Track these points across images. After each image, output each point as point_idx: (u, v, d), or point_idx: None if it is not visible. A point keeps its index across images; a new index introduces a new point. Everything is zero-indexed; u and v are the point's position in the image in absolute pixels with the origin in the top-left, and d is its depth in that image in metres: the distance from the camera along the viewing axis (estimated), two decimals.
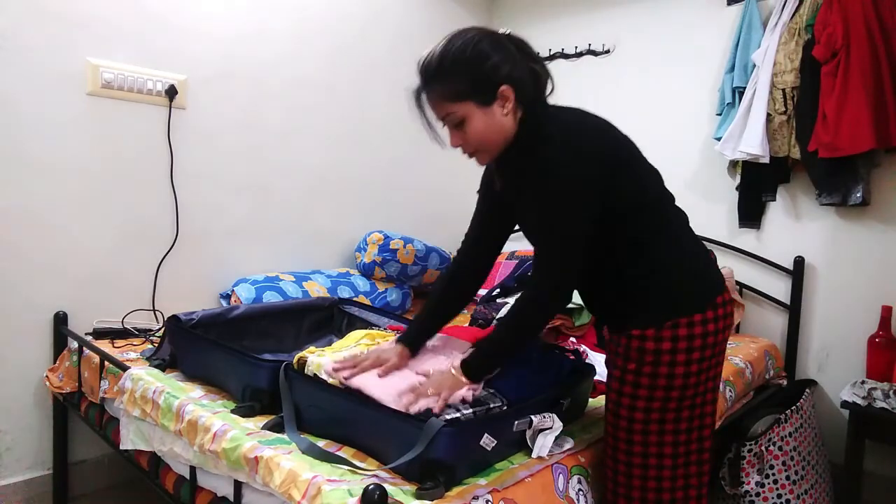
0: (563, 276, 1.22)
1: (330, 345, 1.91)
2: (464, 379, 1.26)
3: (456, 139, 1.28)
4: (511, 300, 2.30)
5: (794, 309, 2.51)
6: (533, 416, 1.30)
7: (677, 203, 1.37)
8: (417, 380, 1.33)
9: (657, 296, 1.27)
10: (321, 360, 1.40)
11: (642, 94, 2.94)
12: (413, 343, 1.45)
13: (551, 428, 1.31)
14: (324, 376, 1.36)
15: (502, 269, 3.01)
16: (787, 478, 1.98)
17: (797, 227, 2.52)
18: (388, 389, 1.25)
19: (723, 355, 1.34)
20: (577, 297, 1.95)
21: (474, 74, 1.19)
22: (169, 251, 2.28)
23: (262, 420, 1.37)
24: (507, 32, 1.25)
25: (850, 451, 2.03)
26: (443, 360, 1.41)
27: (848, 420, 2.04)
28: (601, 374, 1.62)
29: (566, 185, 1.18)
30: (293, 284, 2.42)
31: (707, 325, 1.25)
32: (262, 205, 2.57)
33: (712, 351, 1.27)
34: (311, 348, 1.50)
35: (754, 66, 2.46)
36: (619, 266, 1.29)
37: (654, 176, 1.33)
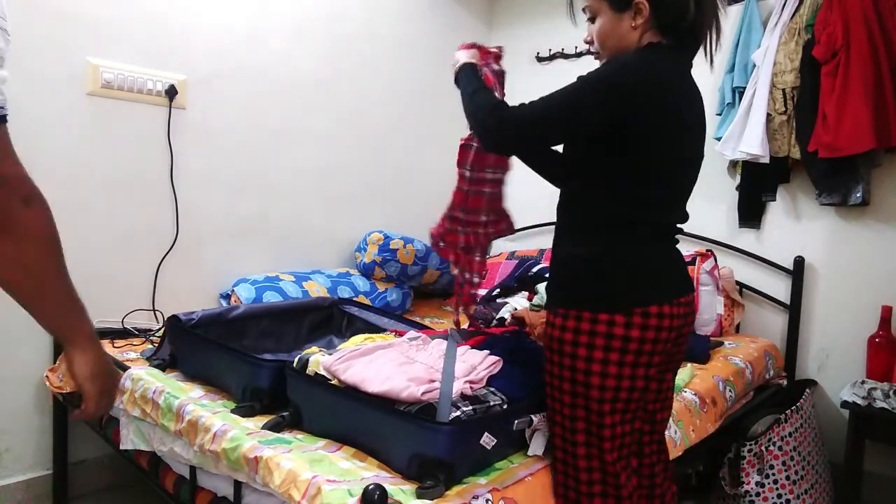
0: (522, 117, 1.19)
1: (330, 345, 1.91)
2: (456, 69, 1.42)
3: (587, 33, 1.31)
4: (511, 300, 2.30)
5: (794, 309, 2.51)
6: (533, 415, 1.30)
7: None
8: (413, 368, 1.34)
9: (601, 284, 1.22)
10: (321, 358, 1.40)
11: None
12: None
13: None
14: (323, 373, 1.36)
15: (502, 268, 3.01)
16: (787, 478, 1.98)
17: (797, 227, 2.53)
18: (388, 380, 1.25)
19: (643, 378, 1.22)
20: None
21: None
22: (169, 251, 2.28)
23: (262, 420, 1.37)
24: None
25: (850, 451, 2.03)
26: (426, 356, 1.42)
27: (848, 420, 2.04)
28: None
29: (583, 80, 1.18)
30: (293, 284, 2.42)
31: (613, 329, 1.17)
32: (262, 205, 2.57)
33: (634, 358, 1.18)
34: (313, 348, 1.50)
35: (754, 66, 2.46)
36: (582, 241, 1.27)
37: (672, 177, 1.27)
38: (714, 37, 1.33)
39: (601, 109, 1.16)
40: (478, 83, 1.35)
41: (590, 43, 1.31)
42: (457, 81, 1.41)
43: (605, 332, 1.18)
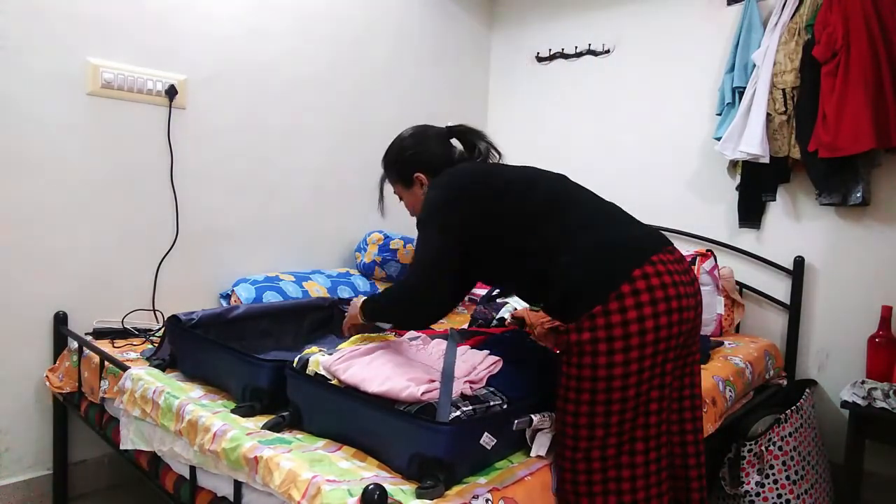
0: (424, 291, 1.44)
1: (330, 345, 1.91)
2: (359, 313, 1.58)
3: (406, 208, 1.67)
4: (511, 300, 2.30)
5: (794, 309, 2.51)
6: (533, 415, 1.30)
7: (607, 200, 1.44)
8: (413, 368, 1.34)
9: (567, 300, 1.26)
10: (321, 358, 1.40)
11: (642, 94, 2.94)
12: None
13: (551, 427, 1.31)
14: (323, 373, 1.36)
15: None
16: (787, 478, 1.98)
17: (797, 227, 2.53)
18: (388, 380, 1.25)
19: (662, 354, 1.22)
20: None
21: (396, 166, 1.63)
22: (169, 251, 2.29)
23: (262, 420, 1.37)
24: (450, 126, 1.64)
25: (850, 451, 2.03)
26: (426, 356, 1.42)
27: (848, 420, 2.04)
28: None
29: (422, 212, 1.46)
30: (293, 284, 2.42)
31: (612, 315, 1.19)
32: (262, 205, 2.57)
33: (640, 340, 1.19)
34: (313, 348, 1.50)
35: (754, 66, 2.46)
36: (528, 280, 1.39)
37: (527, 188, 1.40)
38: (496, 151, 1.64)
39: (455, 218, 1.39)
40: (374, 305, 1.58)
41: (412, 215, 1.61)
42: (366, 317, 1.60)
43: (619, 321, 1.19)
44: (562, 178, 1.47)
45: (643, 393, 1.22)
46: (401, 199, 1.67)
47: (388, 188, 1.71)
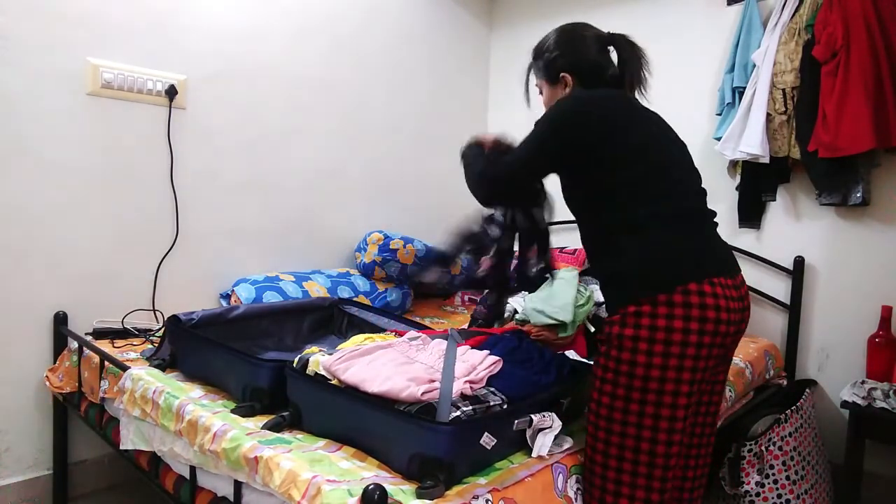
0: (498, 172, 1.46)
1: (330, 345, 1.91)
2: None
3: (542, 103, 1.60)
4: (511, 300, 2.29)
5: (794, 309, 2.51)
6: (533, 416, 1.30)
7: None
8: (413, 368, 1.34)
9: (620, 281, 1.29)
10: (321, 358, 1.40)
11: (642, 93, 2.93)
12: None
13: (551, 427, 1.31)
14: (323, 373, 1.36)
15: None
16: (787, 478, 1.98)
17: (797, 227, 2.52)
18: (388, 380, 1.25)
19: (698, 370, 1.23)
20: (559, 314, 1.96)
21: (543, 60, 1.57)
22: (169, 251, 2.29)
23: (262, 420, 1.37)
24: (608, 32, 1.58)
25: (850, 451, 2.03)
26: (426, 356, 1.42)
27: (848, 420, 2.04)
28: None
29: (543, 116, 1.41)
30: (293, 284, 2.42)
31: (658, 319, 1.20)
32: (262, 204, 2.57)
33: (681, 350, 1.20)
34: (313, 348, 1.50)
35: (754, 66, 2.46)
36: (599, 257, 1.38)
37: (646, 160, 1.34)
38: (642, 80, 1.58)
39: (559, 142, 1.36)
40: (474, 157, 1.56)
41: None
42: (463, 156, 1.59)
43: (665, 324, 1.20)
44: (682, 155, 1.44)
45: (671, 405, 1.22)
46: (540, 92, 1.62)
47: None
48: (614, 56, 1.55)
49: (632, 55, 1.53)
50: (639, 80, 1.55)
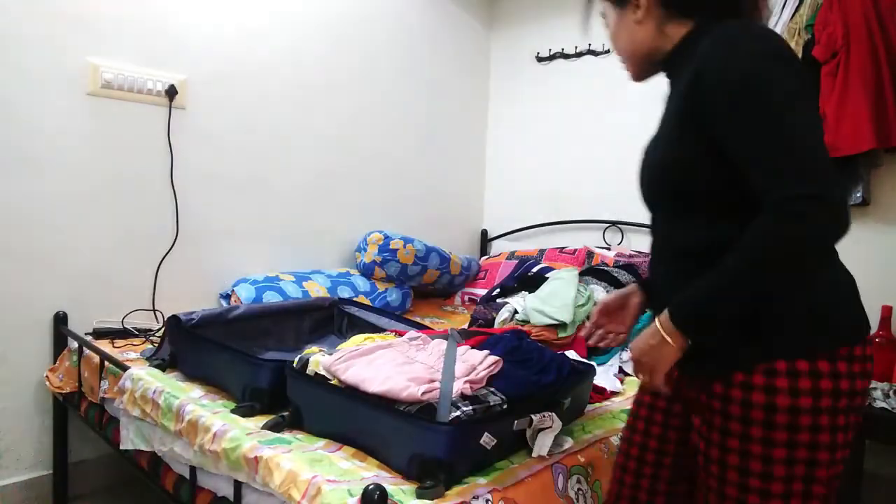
0: (816, 166, 0.83)
1: (330, 345, 1.91)
2: (674, 337, 0.90)
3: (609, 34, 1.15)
4: (511, 300, 2.30)
5: None
6: (533, 416, 1.30)
7: None
8: (413, 368, 1.34)
9: (791, 319, 0.89)
10: (321, 358, 1.40)
11: (642, 93, 2.93)
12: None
13: (551, 427, 1.31)
14: (323, 373, 1.36)
15: (502, 269, 3.01)
16: None
17: None
18: (388, 380, 1.25)
19: (850, 435, 0.93)
20: (559, 314, 1.95)
21: None
22: (169, 251, 2.29)
23: (262, 420, 1.37)
24: None
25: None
26: (426, 356, 1.42)
27: None
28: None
29: (754, 88, 0.86)
30: (293, 284, 2.42)
31: (840, 379, 0.89)
32: (262, 205, 2.57)
33: (845, 418, 0.89)
34: (313, 348, 1.50)
35: None
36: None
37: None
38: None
39: (802, 85, 0.88)
40: (712, 286, 0.89)
41: (613, 44, 1.19)
42: (699, 330, 0.92)
43: (832, 386, 0.89)
44: None
45: (827, 480, 0.90)
46: (605, 24, 1.17)
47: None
48: None
49: None
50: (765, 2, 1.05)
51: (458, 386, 1.26)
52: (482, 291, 2.84)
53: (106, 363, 1.76)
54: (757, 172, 0.85)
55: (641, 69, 1.17)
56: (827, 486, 0.90)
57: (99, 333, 2.05)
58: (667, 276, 1.03)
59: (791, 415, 0.87)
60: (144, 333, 2.11)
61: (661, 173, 1.03)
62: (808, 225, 0.81)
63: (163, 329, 1.90)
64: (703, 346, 0.92)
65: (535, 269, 2.45)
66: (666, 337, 0.91)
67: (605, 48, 3.06)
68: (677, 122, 1.00)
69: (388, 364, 1.34)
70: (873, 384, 2.08)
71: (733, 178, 0.89)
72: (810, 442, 0.87)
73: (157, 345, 1.87)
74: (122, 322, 2.13)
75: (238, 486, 1.26)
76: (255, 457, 1.17)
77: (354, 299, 2.44)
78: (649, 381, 0.95)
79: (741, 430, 0.90)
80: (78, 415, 1.93)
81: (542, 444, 1.29)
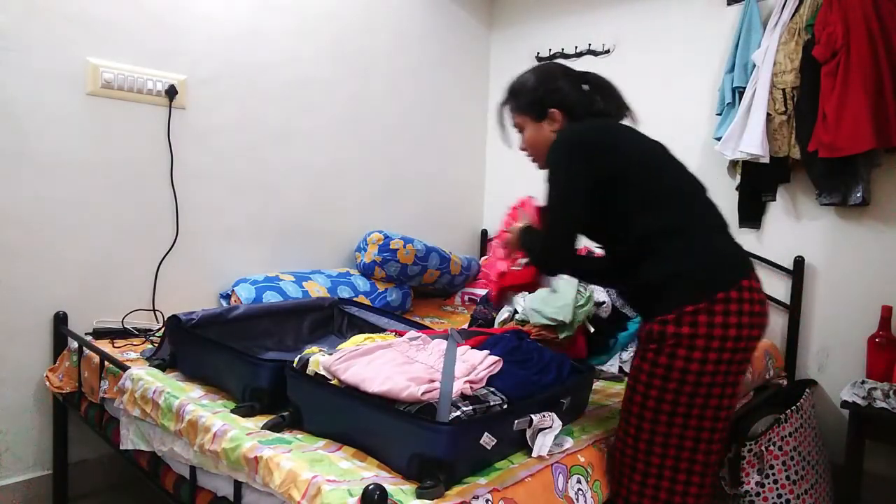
0: (554, 241, 1.43)
1: (330, 345, 1.91)
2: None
3: (520, 142, 1.59)
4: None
5: (793, 309, 2.51)
6: (533, 416, 1.30)
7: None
8: (413, 368, 1.34)
9: (674, 283, 1.32)
10: (321, 358, 1.40)
11: (642, 93, 2.92)
12: None
13: (551, 427, 1.31)
14: (323, 373, 1.36)
15: None
16: (787, 478, 1.98)
17: (797, 227, 2.52)
18: (388, 380, 1.25)
19: (743, 363, 1.33)
20: (559, 314, 1.95)
21: (528, 96, 1.54)
22: (169, 251, 2.29)
23: (262, 420, 1.37)
24: (583, 71, 1.58)
25: (850, 451, 2.03)
26: (426, 356, 1.42)
27: (848, 420, 2.04)
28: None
29: (550, 170, 1.42)
30: (293, 284, 2.42)
31: (715, 316, 1.26)
32: (261, 205, 2.57)
33: (734, 344, 1.27)
34: (313, 348, 1.50)
35: (754, 66, 2.46)
36: (635, 259, 1.38)
37: (661, 164, 1.43)
38: (629, 108, 1.58)
39: (583, 175, 1.37)
40: (530, 240, 1.53)
41: (524, 150, 1.59)
42: (524, 247, 1.56)
43: (721, 322, 1.27)
44: (692, 176, 1.46)
45: (720, 396, 1.30)
46: (520, 131, 1.58)
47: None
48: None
49: (609, 88, 1.56)
50: (626, 107, 1.57)
51: (458, 386, 1.26)
52: (482, 291, 2.84)
53: (106, 363, 1.76)
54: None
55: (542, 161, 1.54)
56: (702, 408, 1.30)
57: (99, 333, 2.05)
58: None
59: (690, 339, 1.28)
60: (144, 333, 2.11)
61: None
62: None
63: (163, 329, 1.90)
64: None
65: None
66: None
67: (605, 48, 3.07)
68: None
69: (388, 364, 1.34)
70: (873, 384, 2.08)
71: None
72: (702, 354, 1.28)
73: (157, 345, 1.87)
74: (122, 322, 2.13)
75: (238, 486, 1.26)
76: (255, 457, 1.17)
77: (354, 299, 2.44)
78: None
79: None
80: (78, 415, 1.93)
81: (542, 444, 1.29)
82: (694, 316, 1.27)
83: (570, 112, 1.50)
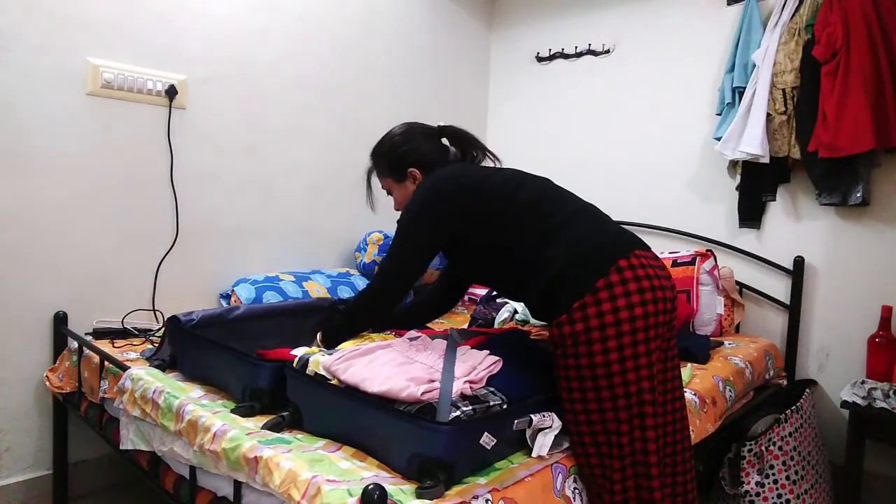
0: (386, 281, 1.52)
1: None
2: (319, 347, 1.53)
3: (393, 202, 1.69)
4: (511, 300, 2.30)
5: (793, 309, 2.51)
6: (532, 415, 1.30)
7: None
8: (413, 368, 1.34)
9: (555, 287, 1.32)
10: (321, 358, 1.40)
11: (642, 94, 2.94)
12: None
13: (551, 427, 1.31)
14: (323, 373, 1.36)
15: None
16: (787, 478, 1.98)
17: (797, 227, 2.53)
18: (388, 380, 1.25)
19: (657, 338, 1.28)
20: None
21: (388, 160, 1.65)
22: (169, 251, 2.29)
23: (262, 420, 1.37)
24: (436, 126, 1.66)
25: (850, 451, 2.03)
26: (426, 356, 1.42)
27: (848, 420, 2.04)
28: None
29: (400, 219, 1.51)
30: (293, 284, 2.42)
31: (602, 304, 1.25)
32: (262, 205, 2.57)
33: (635, 324, 1.24)
34: (314, 348, 1.50)
35: (754, 65, 2.46)
36: (527, 281, 1.39)
37: (514, 187, 1.45)
38: (483, 158, 1.69)
39: (445, 215, 1.45)
40: (331, 331, 1.64)
41: (398, 209, 1.64)
42: (328, 343, 1.63)
43: (609, 308, 1.26)
44: (545, 180, 1.52)
45: (636, 380, 1.26)
46: (389, 193, 1.70)
47: (375, 183, 1.78)
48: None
49: (465, 138, 1.64)
50: (484, 152, 1.67)
51: (458, 386, 1.26)
52: (482, 291, 2.84)
53: (106, 363, 1.76)
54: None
55: None
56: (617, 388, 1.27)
57: (99, 333, 2.05)
58: None
59: (586, 332, 1.27)
60: (144, 333, 2.11)
61: None
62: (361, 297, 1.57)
63: (163, 329, 1.89)
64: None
65: None
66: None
67: (605, 48, 3.07)
68: None
69: (388, 364, 1.34)
70: (873, 384, 2.08)
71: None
72: (602, 345, 1.26)
73: (157, 345, 1.87)
74: (122, 322, 2.13)
75: (238, 486, 1.25)
76: (255, 457, 1.17)
77: None
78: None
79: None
80: (78, 415, 1.93)
81: (542, 444, 1.29)
82: (583, 310, 1.25)
83: (428, 168, 1.57)
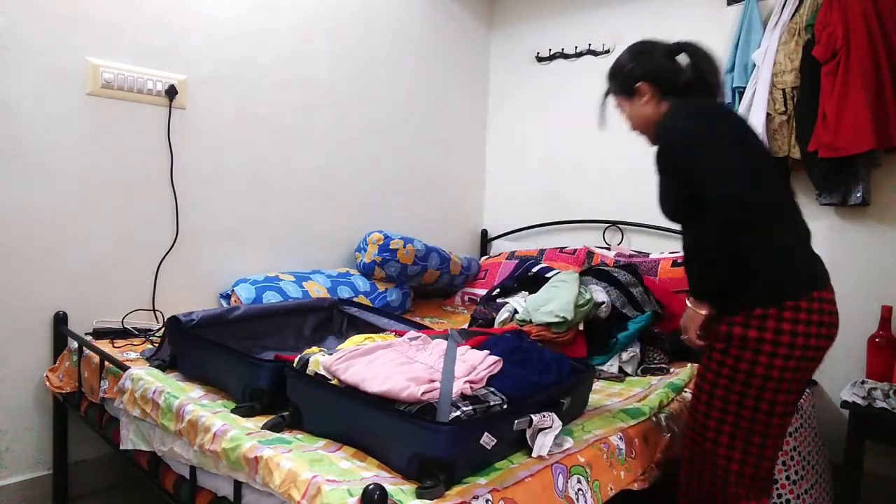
0: (726, 181, 1.28)
1: (330, 346, 1.91)
2: (698, 307, 1.42)
3: (630, 121, 1.62)
4: (511, 300, 2.29)
5: None
6: (533, 415, 1.30)
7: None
8: (413, 368, 1.34)
9: (747, 284, 1.34)
10: (321, 358, 1.40)
11: None
12: None
13: (551, 427, 1.31)
14: (323, 373, 1.36)
15: (502, 269, 3.01)
16: (787, 478, 1.98)
17: None
18: (388, 380, 1.25)
19: (808, 369, 1.38)
20: (561, 311, 1.95)
21: (619, 77, 1.59)
22: (169, 251, 2.29)
23: (262, 420, 1.37)
24: (677, 42, 1.54)
25: (850, 450, 2.03)
26: (426, 356, 1.42)
27: (848, 420, 2.04)
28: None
29: (678, 140, 1.40)
30: (293, 284, 2.42)
31: (783, 323, 1.30)
32: (262, 205, 2.57)
33: (802, 352, 1.32)
34: (313, 348, 1.50)
35: (754, 66, 2.46)
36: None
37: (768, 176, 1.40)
38: (720, 84, 1.54)
39: (723, 131, 1.36)
40: (701, 283, 1.45)
41: (634, 128, 1.61)
42: (700, 296, 1.45)
43: (789, 329, 1.32)
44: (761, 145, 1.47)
45: (785, 404, 1.38)
46: (622, 112, 1.63)
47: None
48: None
49: (705, 60, 1.51)
50: (717, 83, 1.52)
51: (458, 386, 1.26)
52: (482, 291, 2.84)
53: (106, 363, 1.76)
54: (698, 187, 1.31)
55: (650, 135, 1.58)
56: (772, 404, 1.36)
57: (99, 333, 2.05)
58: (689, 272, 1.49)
59: (757, 342, 1.33)
60: (144, 333, 2.11)
61: (675, 211, 1.48)
62: (722, 213, 1.27)
63: (163, 329, 1.90)
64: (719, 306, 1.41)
65: (535, 269, 2.45)
66: (690, 308, 1.44)
67: (605, 48, 3.07)
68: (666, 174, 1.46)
69: (388, 364, 1.34)
70: (873, 384, 2.08)
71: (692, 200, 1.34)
72: (768, 359, 1.33)
73: (157, 345, 1.87)
74: (122, 322, 2.13)
75: (238, 486, 1.26)
76: (255, 457, 1.17)
77: (354, 299, 2.44)
78: (687, 337, 1.46)
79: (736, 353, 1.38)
80: (78, 415, 1.93)
81: (542, 444, 1.29)
82: (762, 321, 1.31)
83: (658, 84, 1.52)
